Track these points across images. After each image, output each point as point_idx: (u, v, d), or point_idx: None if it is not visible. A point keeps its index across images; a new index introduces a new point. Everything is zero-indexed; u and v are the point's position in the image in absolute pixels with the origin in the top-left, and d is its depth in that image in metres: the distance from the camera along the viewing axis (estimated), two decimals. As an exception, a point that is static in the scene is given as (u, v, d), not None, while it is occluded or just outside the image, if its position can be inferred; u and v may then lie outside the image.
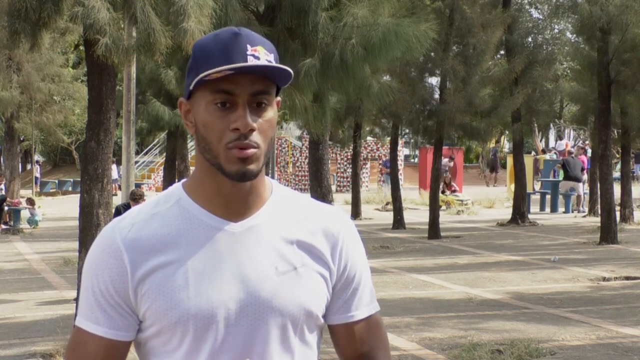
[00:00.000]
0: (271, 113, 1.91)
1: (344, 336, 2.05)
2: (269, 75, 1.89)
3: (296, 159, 42.63)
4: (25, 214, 25.65)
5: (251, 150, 1.87)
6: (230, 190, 1.93)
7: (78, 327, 1.96)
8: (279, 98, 1.94)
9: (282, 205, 2.00)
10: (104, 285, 1.92)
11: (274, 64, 1.86)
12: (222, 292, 1.90)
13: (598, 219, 20.54)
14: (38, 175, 46.90)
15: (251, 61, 1.85)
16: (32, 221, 25.07)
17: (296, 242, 1.97)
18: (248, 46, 1.87)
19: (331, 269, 2.00)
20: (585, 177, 28.08)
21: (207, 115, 1.88)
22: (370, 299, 2.08)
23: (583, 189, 27.96)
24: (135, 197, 12.76)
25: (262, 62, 1.86)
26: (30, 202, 26.17)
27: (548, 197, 28.72)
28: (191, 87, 1.89)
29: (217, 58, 1.86)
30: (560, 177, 28.88)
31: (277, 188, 2.03)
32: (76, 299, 9.90)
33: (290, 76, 1.89)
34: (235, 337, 1.90)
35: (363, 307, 2.06)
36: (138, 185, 19.91)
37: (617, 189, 21.25)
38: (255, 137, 1.87)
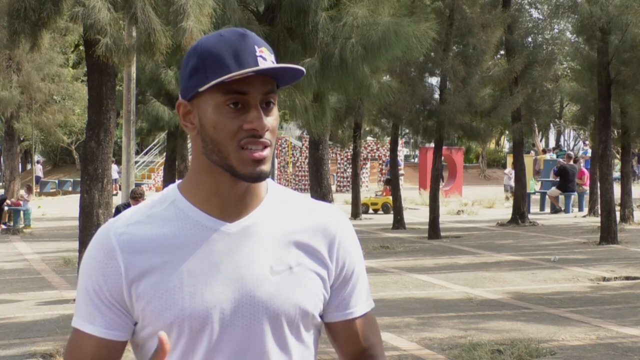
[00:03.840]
0: (277, 112, 1.94)
1: (344, 333, 2.05)
2: (276, 76, 1.91)
3: (296, 159, 42.64)
4: (25, 212, 25.65)
5: (267, 151, 1.89)
6: (228, 191, 1.93)
7: (75, 328, 1.96)
8: None
9: (278, 204, 2.00)
10: (99, 285, 1.92)
11: (289, 65, 1.89)
12: (217, 292, 1.90)
13: (598, 219, 20.54)
14: (40, 174, 46.98)
15: (261, 62, 1.87)
16: (27, 216, 25.11)
17: (292, 241, 1.97)
18: (256, 47, 1.89)
19: (329, 268, 2.00)
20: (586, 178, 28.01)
21: (219, 116, 1.88)
22: (367, 296, 2.08)
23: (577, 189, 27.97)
24: (135, 196, 12.75)
25: (269, 62, 1.88)
26: (29, 189, 26.26)
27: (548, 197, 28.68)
28: (202, 89, 1.88)
29: (229, 60, 1.86)
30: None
31: (273, 187, 2.02)
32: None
33: (301, 76, 1.91)
34: (231, 337, 1.90)
35: (361, 304, 2.06)
36: (138, 185, 19.90)
37: (617, 189, 21.24)
38: (268, 135, 1.90)
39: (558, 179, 27.50)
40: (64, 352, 2.01)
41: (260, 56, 1.88)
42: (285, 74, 1.90)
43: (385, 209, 27.96)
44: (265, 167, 1.89)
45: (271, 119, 1.90)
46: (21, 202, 25.63)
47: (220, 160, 1.89)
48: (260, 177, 1.89)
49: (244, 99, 1.88)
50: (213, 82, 1.86)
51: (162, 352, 1.77)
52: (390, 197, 28.70)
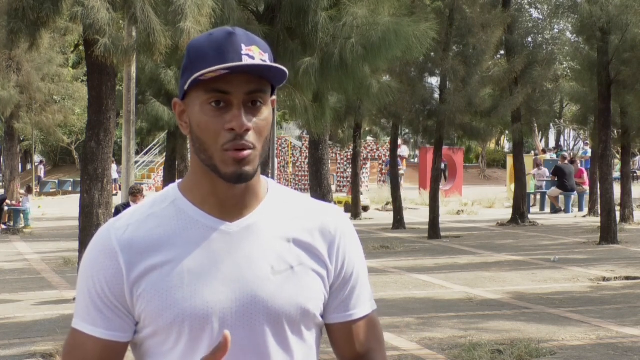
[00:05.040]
0: (266, 112, 1.90)
1: (342, 335, 2.04)
2: (264, 75, 1.88)
3: (296, 159, 42.61)
4: (24, 212, 25.66)
5: (247, 152, 1.86)
6: (226, 190, 1.92)
7: (74, 329, 1.95)
8: (274, 97, 1.94)
9: (278, 204, 1.99)
10: (100, 286, 1.91)
11: (268, 63, 1.86)
12: (218, 292, 1.89)
13: (598, 219, 20.53)
14: (42, 175, 47.02)
15: (246, 61, 1.84)
16: (26, 216, 25.11)
17: (293, 240, 1.96)
18: (242, 46, 1.86)
19: (328, 268, 1.99)
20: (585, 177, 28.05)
21: (202, 116, 1.87)
22: (368, 297, 2.06)
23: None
24: (134, 192, 12.72)
25: (257, 61, 1.85)
26: (29, 189, 26.26)
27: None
28: (186, 87, 1.88)
29: (212, 58, 1.85)
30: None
31: (273, 187, 2.02)
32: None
33: (285, 75, 1.88)
34: (232, 337, 1.89)
35: (361, 306, 2.04)
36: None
37: (617, 189, 21.24)
38: (251, 137, 1.86)
39: (556, 179, 27.58)
40: (61, 355, 2.00)
41: (247, 54, 1.85)
42: (275, 72, 1.87)
43: (347, 207, 27.98)
44: (248, 168, 1.87)
45: (257, 120, 1.87)
46: (21, 202, 25.64)
47: (207, 159, 1.89)
48: (242, 178, 1.87)
49: (227, 98, 1.86)
50: (191, 79, 1.85)
51: (224, 348, 1.77)
52: (350, 197, 28.86)
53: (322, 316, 2.01)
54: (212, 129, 1.86)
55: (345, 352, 2.06)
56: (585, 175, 27.80)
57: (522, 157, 24.10)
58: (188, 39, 9.48)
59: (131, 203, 12.11)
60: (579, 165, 29.79)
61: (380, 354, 2.08)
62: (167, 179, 24.69)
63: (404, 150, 39.35)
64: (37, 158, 49.39)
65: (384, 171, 41.59)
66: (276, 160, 34.69)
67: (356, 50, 11.50)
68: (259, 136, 1.88)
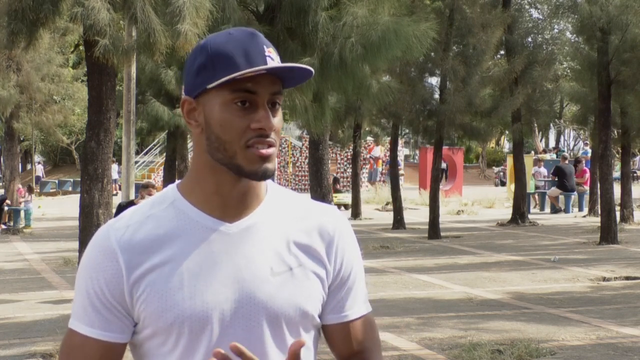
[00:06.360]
0: (281, 113, 1.94)
1: (339, 336, 2.05)
2: (282, 76, 1.91)
3: (296, 159, 42.60)
4: (26, 212, 25.67)
5: (272, 149, 1.89)
6: (230, 190, 1.93)
7: (72, 329, 1.94)
8: None
9: (278, 205, 2.00)
10: (99, 287, 1.91)
11: (301, 65, 1.90)
12: (217, 293, 1.90)
13: (598, 219, 20.54)
14: (41, 175, 47.03)
15: (269, 62, 1.88)
16: (28, 216, 25.12)
17: (292, 242, 1.97)
18: (264, 47, 1.90)
19: (327, 269, 2.00)
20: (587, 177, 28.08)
21: (226, 115, 1.88)
22: (363, 299, 2.07)
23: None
24: (150, 185, 12.74)
25: (276, 63, 1.89)
26: (30, 189, 26.27)
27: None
28: (210, 86, 1.88)
29: (239, 58, 1.87)
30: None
31: (273, 188, 2.03)
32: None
33: (310, 77, 1.92)
34: (231, 338, 1.89)
35: (357, 307, 2.05)
36: (139, 186, 19.90)
37: (617, 189, 21.24)
38: (274, 135, 1.90)
39: (556, 179, 27.61)
40: (59, 355, 2.00)
41: (269, 56, 1.89)
42: (293, 74, 1.91)
43: None
44: (271, 165, 1.90)
45: (276, 120, 1.91)
46: (22, 202, 25.63)
47: (226, 158, 1.89)
48: (266, 175, 1.90)
49: (252, 97, 1.88)
50: (224, 79, 1.86)
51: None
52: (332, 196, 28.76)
53: (319, 317, 2.01)
54: (237, 127, 1.88)
55: (343, 352, 2.07)
56: (587, 176, 27.81)
57: (522, 157, 24.10)
58: (185, 41, 9.47)
59: (145, 196, 12.16)
60: (584, 165, 29.80)
61: (376, 353, 2.09)
62: (167, 179, 24.69)
63: (376, 152, 40.51)
64: (37, 158, 49.41)
65: (383, 171, 41.65)
66: (276, 160, 34.65)
67: (356, 50, 11.50)
68: (278, 135, 1.92)
